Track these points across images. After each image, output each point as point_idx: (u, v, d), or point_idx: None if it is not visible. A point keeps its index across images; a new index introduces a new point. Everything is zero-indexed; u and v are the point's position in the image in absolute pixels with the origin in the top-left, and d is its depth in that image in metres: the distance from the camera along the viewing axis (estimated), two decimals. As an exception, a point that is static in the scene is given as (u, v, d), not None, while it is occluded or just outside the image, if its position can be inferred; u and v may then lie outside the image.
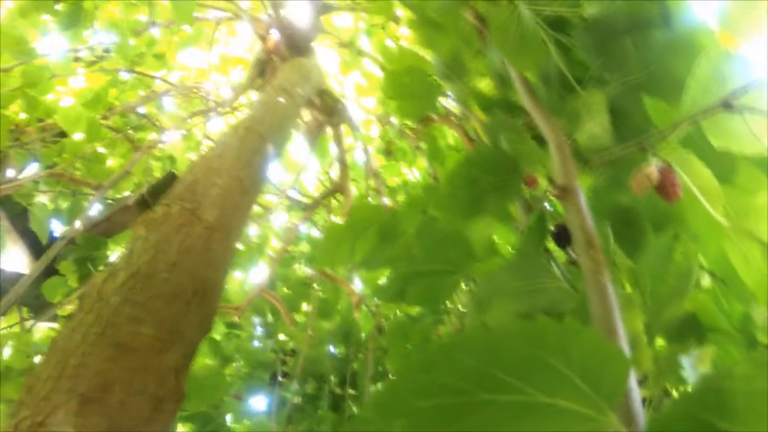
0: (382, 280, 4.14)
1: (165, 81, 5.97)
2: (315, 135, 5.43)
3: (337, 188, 5.27)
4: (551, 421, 0.82)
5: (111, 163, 5.39)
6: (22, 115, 4.63)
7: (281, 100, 3.37)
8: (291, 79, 3.91)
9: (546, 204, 2.04)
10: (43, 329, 4.11)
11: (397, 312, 4.30)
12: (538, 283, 1.68)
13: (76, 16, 4.46)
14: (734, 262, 1.60)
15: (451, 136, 4.14)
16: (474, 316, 1.81)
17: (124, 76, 5.60)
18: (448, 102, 3.20)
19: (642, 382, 1.43)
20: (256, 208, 5.38)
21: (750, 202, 1.59)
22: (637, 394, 0.99)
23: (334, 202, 5.77)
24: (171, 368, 1.58)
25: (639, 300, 1.64)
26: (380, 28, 5.59)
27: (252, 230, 5.98)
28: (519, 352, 0.83)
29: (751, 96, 1.39)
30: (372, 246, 2.40)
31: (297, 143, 6.37)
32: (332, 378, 4.86)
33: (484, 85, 2.77)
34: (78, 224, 4.12)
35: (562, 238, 1.80)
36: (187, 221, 1.99)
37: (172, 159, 5.75)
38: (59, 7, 4.43)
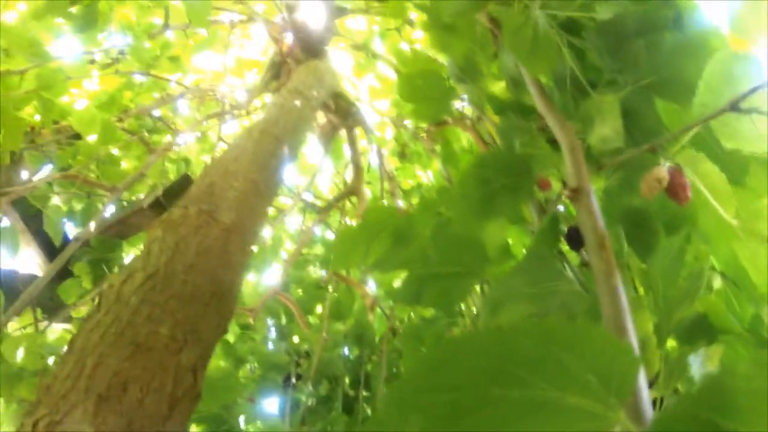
0: (397, 283, 4.15)
1: (180, 84, 5.98)
2: (329, 138, 5.44)
3: (352, 191, 5.27)
4: (561, 417, 0.83)
5: (125, 165, 5.40)
6: (37, 117, 4.64)
7: (296, 102, 3.39)
8: (306, 81, 3.93)
9: (560, 206, 2.05)
10: (57, 330, 4.13)
11: (411, 314, 4.31)
12: (549, 285, 1.69)
13: (90, 19, 4.47)
14: (745, 264, 1.61)
15: (465, 139, 4.14)
16: (487, 319, 1.82)
17: (139, 78, 5.62)
18: (462, 105, 3.21)
19: (652, 383, 1.45)
20: (270, 211, 5.38)
21: (760, 204, 1.60)
22: (646, 392, 1.00)
23: (348, 204, 5.77)
24: (188, 368, 1.59)
25: (651, 301, 1.65)
26: (394, 30, 5.59)
27: (266, 232, 5.99)
28: (531, 349, 0.85)
29: (759, 97, 1.40)
30: (386, 248, 2.40)
31: (311, 146, 6.39)
32: (346, 380, 4.87)
33: (498, 87, 2.78)
34: (92, 226, 4.14)
35: (575, 239, 1.81)
36: (205, 223, 2.01)
37: (186, 161, 5.76)
38: (73, 9, 4.44)
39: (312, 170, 6.15)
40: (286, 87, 3.76)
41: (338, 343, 5.04)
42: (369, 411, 4.62)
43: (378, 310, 4.76)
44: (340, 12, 5.59)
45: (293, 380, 4.92)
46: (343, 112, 5.10)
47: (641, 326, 1.47)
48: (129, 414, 1.42)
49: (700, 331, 1.68)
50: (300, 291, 5.78)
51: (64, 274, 4.12)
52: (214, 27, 6.04)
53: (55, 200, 4.64)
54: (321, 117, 5.27)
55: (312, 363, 4.57)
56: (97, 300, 1.78)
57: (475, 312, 2.90)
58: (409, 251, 2.33)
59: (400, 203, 5.03)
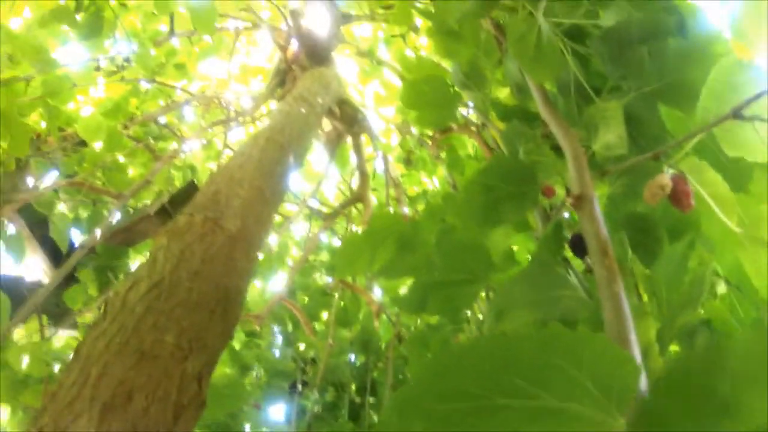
0: (402, 289, 4.15)
1: (185, 91, 5.99)
2: (335, 144, 5.44)
3: (358, 197, 5.27)
4: (564, 425, 0.83)
5: (131, 172, 5.41)
6: (43, 125, 4.65)
7: (301, 110, 3.39)
8: (311, 88, 3.93)
9: (565, 212, 2.05)
10: (63, 337, 4.14)
11: (417, 321, 4.31)
12: (553, 292, 1.69)
13: (95, 26, 4.48)
14: (748, 270, 1.61)
15: (470, 145, 4.14)
16: (492, 325, 1.82)
17: (145, 85, 5.63)
18: (468, 111, 3.21)
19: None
20: (276, 218, 5.39)
21: (763, 210, 1.60)
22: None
23: (354, 211, 5.78)
24: (193, 376, 1.60)
25: (654, 307, 1.65)
26: (399, 37, 5.60)
27: (272, 239, 5.99)
28: (533, 358, 0.85)
29: (761, 105, 1.41)
30: (391, 255, 2.41)
31: (317, 153, 6.40)
32: (352, 386, 4.87)
33: (503, 93, 2.79)
34: (98, 233, 4.15)
35: (579, 246, 1.82)
36: (210, 231, 2.01)
37: (192, 169, 5.77)
38: (79, 17, 4.45)
39: (318, 177, 6.15)
40: (292, 94, 3.76)
41: (344, 349, 5.05)
42: (375, 418, 4.62)
43: (384, 316, 4.75)
44: (345, 19, 5.60)
45: (299, 387, 4.93)
46: (348, 118, 5.10)
47: (644, 333, 1.47)
48: (134, 422, 1.42)
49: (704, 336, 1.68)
50: (306, 298, 5.79)
51: (70, 280, 4.13)
52: (220, 34, 6.05)
53: (61, 207, 4.65)
54: (326, 124, 5.27)
55: (318, 370, 4.58)
56: (102, 308, 1.79)
57: (480, 318, 2.90)
58: (414, 258, 2.34)
59: (406, 210, 5.03)
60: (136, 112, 5.55)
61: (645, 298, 1.86)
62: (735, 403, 0.64)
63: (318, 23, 5.03)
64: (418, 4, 4.04)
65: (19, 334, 3.56)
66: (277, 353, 5.59)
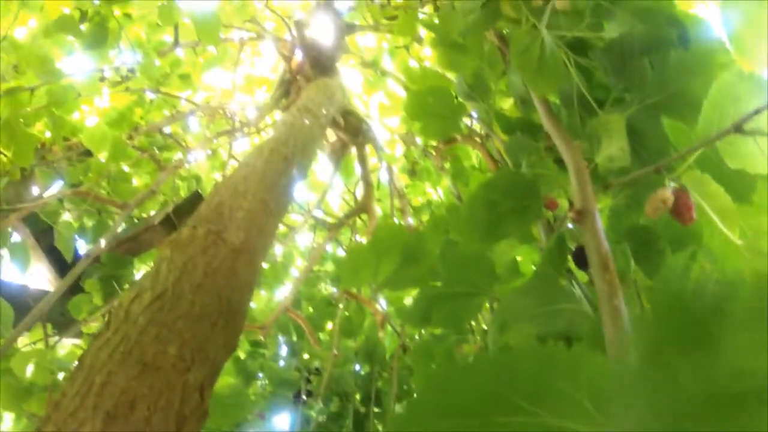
0: (407, 300, 4.15)
1: (190, 101, 6.00)
2: (340, 155, 5.45)
3: (362, 208, 5.27)
4: (562, 443, 0.84)
5: (136, 182, 5.42)
6: (48, 134, 4.66)
7: (305, 121, 3.39)
8: (315, 99, 3.94)
9: (569, 224, 2.05)
10: (67, 346, 4.14)
11: (422, 331, 4.31)
12: (555, 306, 1.70)
13: (100, 37, 4.49)
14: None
15: (474, 156, 4.14)
16: (495, 337, 1.83)
17: (150, 96, 5.63)
18: (472, 121, 3.21)
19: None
20: (281, 228, 5.39)
21: (764, 222, 1.60)
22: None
23: (358, 221, 5.78)
24: (195, 387, 1.60)
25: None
26: (403, 48, 5.60)
27: (277, 249, 6.00)
28: (531, 376, 0.85)
29: (762, 118, 1.41)
30: (396, 267, 2.40)
31: (322, 163, 6.40)
32: (356, 396, 4.87)
33: (507, 104, 2.79)
34: (103, 242, 4.15)
35: (582, 259, 1.82)
36: (213, 243, 2.02)
37: (197, 179, 5.77)
38: (84, 27, 4.46)
39: (322, 187, 6.16)
40: (296, 105, 3.76)
41: (349, 359, 5.06)
42: (380, 428, 4.62)
43: (388, 327, 4.76)
44: (350, 29, 5.61)
45: (304, 397, 4.93)
46: (353, 129, 5.11)
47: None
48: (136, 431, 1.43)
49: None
50: (311, 308, 5.79)
51: (75, 289, 4.13)
52: (224, 45, 6.06)
53: (66, 216, 4.66)
54: (331, 134, 5.28)
55: (322, 379, 4.57)
56: (106, 318, 1.79)
57: (484, 329, 2.91)
58: (418, 269, 2.34)
59: (410, 220, 5.03)
60: (140, 123, 5.55)
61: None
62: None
63: (322, 34, 5.05)
64: (421, 16, 4.05)
65: (23, 342, 3.56)
66: (281, 363, 5.59)
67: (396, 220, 5.12)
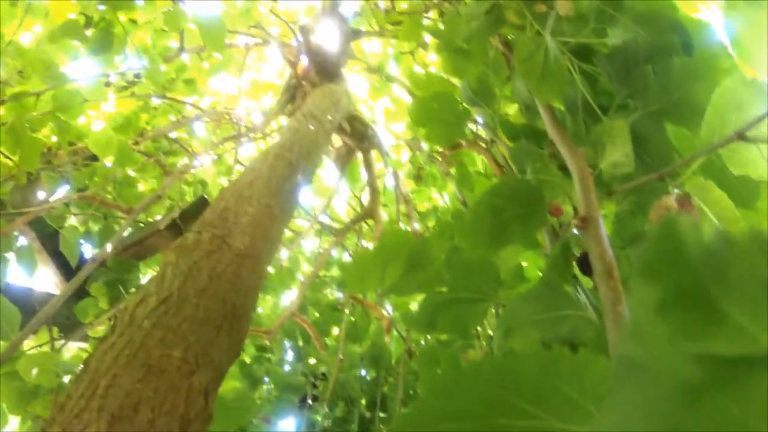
0: (413, 305, 4.16)
1: (196, 106, 6.01)
2: (345, 160, 5.45)
3: (368, 213, 5.28)
4: (564, 445, 0.84)
5: (142, 187, 5.42)
6: (54, 139, 4.67)
7: (310, 127, 3.40)
8: (321, 105, 3.94)
9: (573, 229, 2.05)
10: (72, 349, 4.14)
11: (428, 336, 4.31)
12: (559, 312, 1.70)
13: (105, 42, 4.49)
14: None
15: (480, 161, 4.15)
16: (500, 343, 1.83)
17: (156, 101, 5.64)
18: (476, 127, 3.22)
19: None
20: (287, 233, 5.39)
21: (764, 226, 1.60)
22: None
23: (364, 227, 5.78)
24: (200, 390, 1.61)
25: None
26: (408, 53, 5.61)
27: (283, 254, 6.00)
28: (535, 380, 0.86)
29: (764, 126, 1.41)
30: (401, 272, 2.40)
31: (328, 168, 6.41)
32: (362, 401, 4.87)
33: (512, 109, 2.79)
34: (109, 247, 4.16)
35: (586, 265, 1.82)
36: (218, 248, 2.03)
37: (203, 184, 5.78)
38: (89, 32, 4.47)
39: (328, 193, 6.16)
40: (301, 111, 3.76)
41: (354, 364, 5.05)
42: (385, 432, 4.63)
43: (394, 332, 4.76)
44: (355, 35, 5.62)
45: (309, 401, 4.93)
46: (359, 134, 5.11)
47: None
48: (141, 434, 1.44)
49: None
50: (317, 313, 5.79)
51: (81, 293, 4.14)
52: (230, 50, 6.07)
53: (72, 221, 4.66)
54: (337, 140, 5.28)
55: (328, 384, 4.57)
56: (112, 322, 1.80)
57: (490, 334, 2.91)
58: (424, 275, 2.34)
59: (416, 226, 5.03)
60: (146, 128, 5.56)
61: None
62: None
63: (328, 39, 5.05)
64: (426, 21, 4.06)
65: (29, 345, 3.57)
66: (287, 368, 5.59)
67: (402, 226, 5.12)
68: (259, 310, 6.02)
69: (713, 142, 1.55)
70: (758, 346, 0.41)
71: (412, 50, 5.47)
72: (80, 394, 1.48)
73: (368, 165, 5.37)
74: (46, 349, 3.60)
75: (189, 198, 5.37)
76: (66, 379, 3.36)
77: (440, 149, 4.32)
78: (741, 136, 1.42)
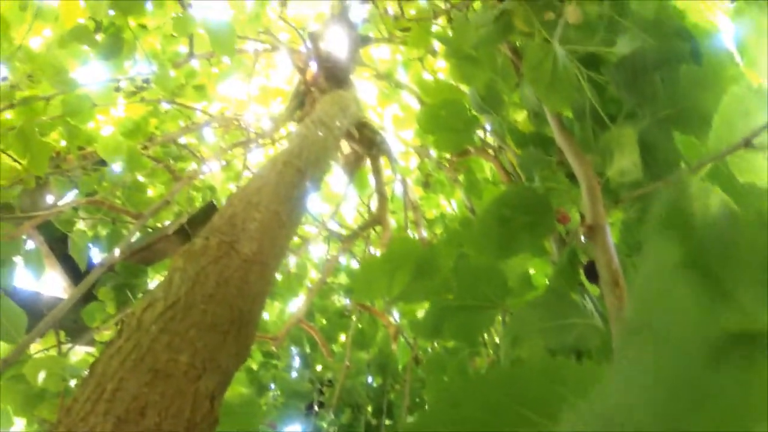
0: (420, 312, 4.15)
1: (205, 112, 6.01)
2: (354, 167, 5.45)
3: (376, 220, 5.26)
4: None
5: (151, 192, 5.43)
6: (63, 143, 4.67)
7: (319, 133, 3.40)
8: (329, 112, 3.94)
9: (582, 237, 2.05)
10: (79, 353, 4.14)
11: (435, 344, 4.31)
12: (565, 320, 1.70)
13: (115, 47, 4.50)
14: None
15: (488, 169, 4.15)
16: (507, 351, 1.83)
17: (165, 106, 5.64)
18: (485, 134, 3.22)
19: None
20: (295, 239, 5.39)
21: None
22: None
23: (372, 233, 5.78)
24: (206, 394, 1.61)
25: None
26: (417, 60, 5.60)
27: (291, 261, 6.00)
28: (540, 389, 0.86)
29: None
30: (409, 280, 2.40)
31: (336, 175, 6.41)
32: (368, 408, 4.87)
33: (521, 116, 2.80)
34: (117, 251, 4.16)
35: (593, 273, 1.82)
36: (225, 254, 2.03)
37: (212, 189, 5.78)
38: (99, 37, 4.47)
39: (337, 199, 6.16)
40: (310, 117, 3.77)
41: (361, 371, 5.06)
42: (391, 439, 4.63)
43: (401, 339, 4.75)
44: (364, 41, 5.62)
45: (316, 408, 4.93)
46: (367, 141, 5.10)
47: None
48: (147, 438, 1.44)
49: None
50: (324, 320, 5.79)
51: (89, 297, 4.14)
52: (239, 56, 6.07)
53: (81, 225, 4.67)
54: (346, 146, 5.28)
55: (335, 391, 4.57)
56: (119, 326, 1.81)
57: (497, 341, 2.91)
58: (431, 283, 2.34)
59: (424, 233, 5.03)
60: (156, 133, 5.56)
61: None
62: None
63: (337, 46, 5.05)
64: (435, 28, 4.06)
65: (36, 348, 3.58)
66: (294, 374, 5.60)
67: (410, 233, 5.12)
68: (266, 316, 6.02)
69: (721, 150, 1.55)
70: (758, 325, 0.41)
71: (420, 57, 5.46)
72: (87, 397, 1.49)
73: (377, 172, 5.36)
74: (53, 352, 3.61)
75: (198, 203, 5.38)
76: (73, 382, 3.36)
77: (448, 156, 4.32)
78: (747, 144, 1.43)
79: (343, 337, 5.66)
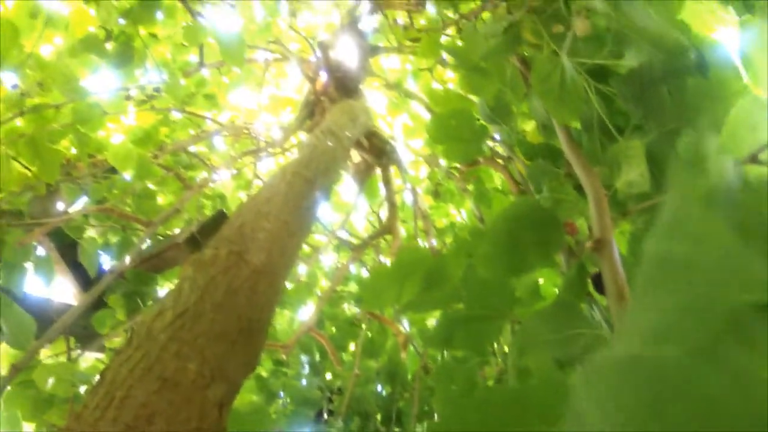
0: (429, 321, 4.16)
1: (215, 121, 6.02)
2: (364, 176, 5.45)
3: (386, 229, 5.27)
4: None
5: (161, 200, 5.44)
6: (73, 150, 4.69)
7: (329, 143, 3.41)
8: (339, 121, 3.95)
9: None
10: (89, 359, 4.16)
11: (444, 353, 4.32)
12: (572, 331, 1.71)
13: (126, 56, 4.52)
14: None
15: (497, 178, 4.16)
16: (516, 361, 1.84)
17: (175, 115, 5.66)
18: (494, 144, 3.22)
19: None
20: (305, 248, 5.40)
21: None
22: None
23: (382, 242, 5.78)
24: (214, 403, 1.62)
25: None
26: (427, 70, 5.61)
27: (301, 269, 6.01)
28: (543, 404, 0.87)
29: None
30: (418, 290, 2.41)
31: (347, 184, 6.42)
32: (377, 416, 4.88)
33: (530, 127, 2.80)
34: (127, 259, 4.17)
35: (600, 285, 1.83)
36: (235, 264, 2.04)
37: (222, 198, 5.79)
38: (109, 46, 4.49)
39: (347, 208, 6.17)
40: (319, 127, 3.77)
41: (371, 379, 5.06)
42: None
43: (410, 347, 4.76)
44: (374, 51, 5.63)
45: (325, 416, 4.94)
46: (377, 150, 5.11)
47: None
48: (155, 445, 1.46)
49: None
50: (334, 328, 5.80)
51: (99, 304, 4.15)
52: (249, 65, 6.08)
53: (91, 232, 4.68)
54: (356, 155, 5.29)
55: (344, 399, 4.57)
56: (128, 334, 1.82)
57: (506, 349, 2.91)
58: (440, 292, 2.34)
59: (434, 242, 5.04)
60: (166, 141, 5.57)
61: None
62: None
63: (347, 55, 5.06)
64: (444, 38, 4.07)
65: (46, 354, 3.59)
66: (304, 382, 5.60)
67: (420, 242, 5.13)
68: (276, 325, 6.03)
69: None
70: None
71: (430, 67, 5.47)
72: (96, 404, 1.50)
73: (387, 181, 5.37)
74: (62, 358, 3.63)
75: (208, 212, 5.39)
76: (82, 389, 3.38)
77: (458, 166, 4.33)
78: (754, 159, 1.43)
79: (352, 346, 5.66)
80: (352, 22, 5.44)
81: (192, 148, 5.81)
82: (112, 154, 4.54)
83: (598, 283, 1.87)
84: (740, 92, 1.76)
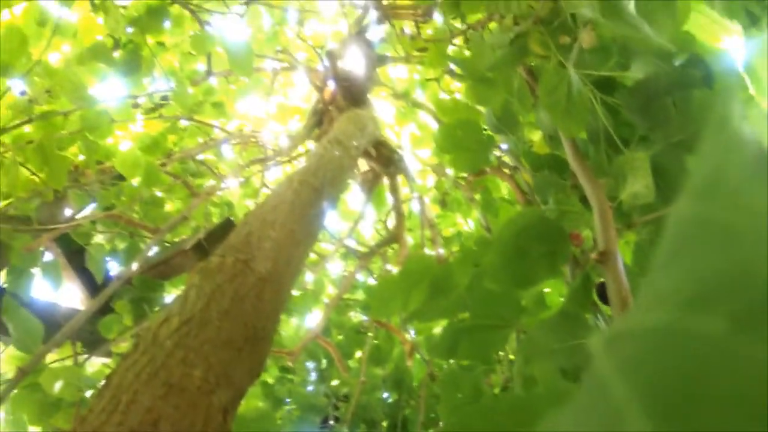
0: (436, 329, 4.17)
1: (223, 129, 6.03)
2: (372, 185, 5.46)
3: (393, 238, 5.27)
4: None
5: (169, 207, 5.44)
6: (81, 157, 4.70)
7: (336, 153, 3.42)
8: (347, 131, 3.96)
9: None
10: (96, 364, 4.17)
11: (450, 361, 4.33)
12: (575, 341, 1.72)
13: (134, 64, 4.53)
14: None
15: (504, 188, 4.16)
16: (521, 370, 1.85)
17: (183, 123, 5.66)
18: (501, 153, 3.23)
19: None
20: (312, 256, 5.41)
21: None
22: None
23: (390, 251, 5.78)
24: (219, 409, 1.63)
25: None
26: (434, 80, 5.61)
27: (308, 277, 6.01)
28: (548, 412, 0.88)
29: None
30: (424, 298, 2.41)
31: (354, 193, 6.42)
32: (383, 423, 4.88)
33: (537, 137, 2.81)
34: (135, 265, 4.19)
35: (605, 295, 1.84)
36: (241, 272, 2.05)
37: (229, 205, 5.80)
38: (117, 54, 4.50)
39: (354, 217, 6.17)
40: (327, 137, 3.78)
41: (377, 387, 5.07)
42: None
43: (417, 355, 4.77)
44: (381, 60, 5.63)
45: (331, 423, 4.95)
46: (385, 159, 5.11)
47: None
48: (160, 450, 1.47)
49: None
50: (340, 335, 5.80)
51: (105, 309, 4.16)
52: (257, 74, 6.09)
53: (98, 238, 4.69)
54: (363, 164, 5.30)
55: (350, 406, 4.58)
56: (135, 340, 1.84)
57: (511, 358, 2.92)
58: (447, 301, 2.35)
59: (441, 251, 5.04)
60: (174, 149, 5.58)
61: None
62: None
63: (354, 65, 5.07)
64: (451, 48, 4.08)
65: (52, 358, 3.60)
66: (310, 389, 5.61)
67: (427, 251, 5.13)
68: (282, 332, 6.03)
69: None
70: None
71: (437, 77, 5.47)
72: (102, 408, 1.51)
73: (394, 190, 5.37)
74: (69, 362, 3.64)
75: (215, 219, 5.40)
76: (88, 393, 3.39)
77: (465, 175, 4.33)
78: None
79: (359, 353, 5.66)
80: (359, 32, 5.45)
81: (200, 156, 5.81)
82: (120, 162, 4.55)
83: (603, 294, 1.87)
84: (745, 103, 1.76)
